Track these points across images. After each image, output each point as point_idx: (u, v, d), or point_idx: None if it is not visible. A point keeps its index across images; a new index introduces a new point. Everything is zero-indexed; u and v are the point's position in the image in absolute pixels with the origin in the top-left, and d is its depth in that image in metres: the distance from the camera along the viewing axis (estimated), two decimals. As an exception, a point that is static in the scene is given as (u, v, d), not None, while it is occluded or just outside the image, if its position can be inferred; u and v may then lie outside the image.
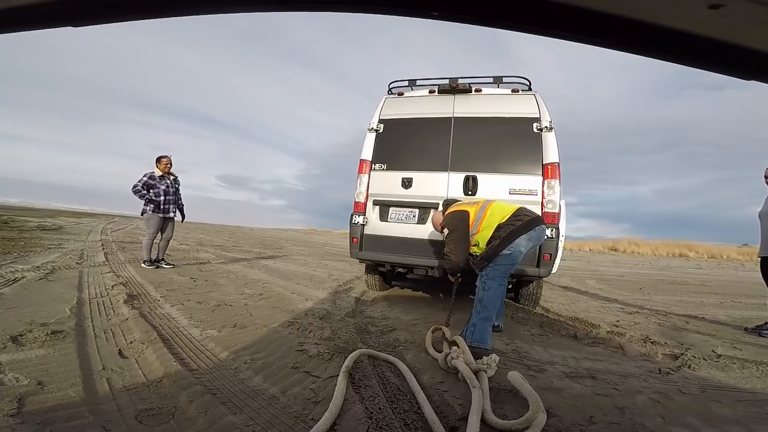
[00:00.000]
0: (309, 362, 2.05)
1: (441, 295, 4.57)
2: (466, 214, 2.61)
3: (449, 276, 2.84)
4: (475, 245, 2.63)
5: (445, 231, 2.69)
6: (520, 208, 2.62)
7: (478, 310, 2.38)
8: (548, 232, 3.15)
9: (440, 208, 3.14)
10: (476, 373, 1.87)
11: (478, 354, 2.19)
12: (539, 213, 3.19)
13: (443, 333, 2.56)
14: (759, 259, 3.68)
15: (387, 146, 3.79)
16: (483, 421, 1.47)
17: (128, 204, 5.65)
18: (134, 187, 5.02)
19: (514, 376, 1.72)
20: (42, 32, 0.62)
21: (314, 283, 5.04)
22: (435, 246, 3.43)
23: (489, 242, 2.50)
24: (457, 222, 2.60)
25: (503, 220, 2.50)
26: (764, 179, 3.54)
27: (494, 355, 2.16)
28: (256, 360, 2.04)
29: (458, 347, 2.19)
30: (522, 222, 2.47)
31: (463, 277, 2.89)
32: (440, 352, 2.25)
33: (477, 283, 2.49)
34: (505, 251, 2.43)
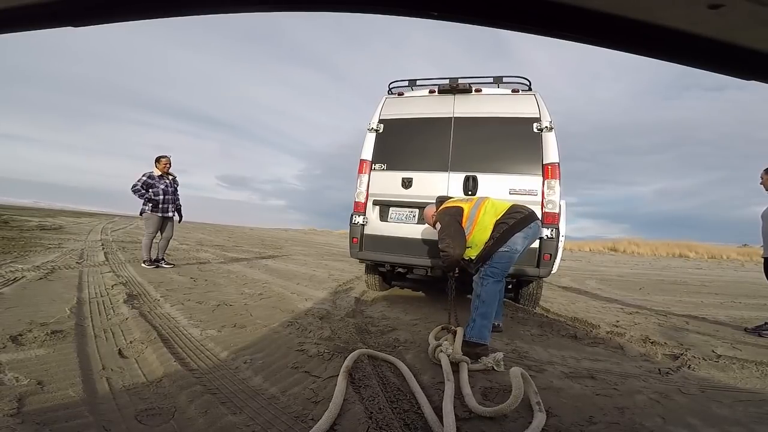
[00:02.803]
0: (309, 362, 2.05)
1: (445, 294, 4.56)
2: (459, 209, 2.55)
3: (447, 272, 2.79)
4: (469, 247, 2.56)
5: (438, 226, 2.64)
6: (514, 205, 2.57)
7: (476, 305, 2.39)
8: (548, 232, 3.15)
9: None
10: (458, 363, 2.05)
11: (474, 352, 2.21)
12: (539, 213, 3.19)
13: (452, 329, 2.59)
14: (763, 259, 3.68)
15: (387, 146, 3.79)
16: (465, 405, 1.63)
17: (128, 204, 5.65)
18: (133, 186, 5.02)
19: (515, 372, 1.72)
20: (42, 32, 0.62)
21: (314, 283, 5.04)
22: (435, 246, 3.43)
23: (487, 242, 2.46)
24: (450, 217, 2.54)
25: (498, 218, 2.46)
26: (761, 179, 3.54)
27: (500, 353, 2.20)
28: (255, 360, 2.04)
29: (453, 338, 2.36)
30: (516, 219, 2.42)
31: (460, 276, 2.86)
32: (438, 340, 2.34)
33: (475, 279, 2.48)
34: (502, 249, 2.40)
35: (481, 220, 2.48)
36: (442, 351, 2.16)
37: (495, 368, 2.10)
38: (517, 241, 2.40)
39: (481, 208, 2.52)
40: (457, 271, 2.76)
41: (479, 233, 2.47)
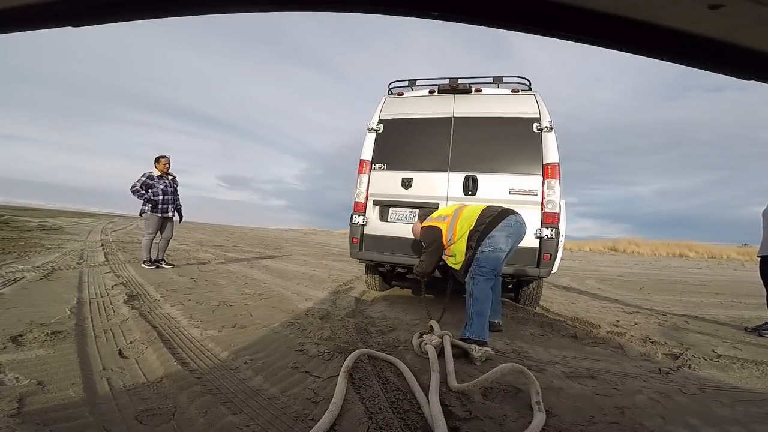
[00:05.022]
0: (309, 362, 2.05)
1: (444, 295, 4.56)
2: (438, 231, 2.75)
3: (418, 277, 3.10)
4: (452, 256, 2.75)
5: (423, 244, 2.88)
6: (485, 209, 2.70)
7: (470, 304, 2.44)
8: (548, 232, 3.16)
9: (416, 218, 3.46)
10: (442, 341, 2.21)
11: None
12: (539, 213, 3.20)
13: (431, 327, 2.60)
14: (759, 258, 3.68)
15: (387, 146, 3.79)
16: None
17: (128, 204, 5.65)
18: (133, 187, 5.02)
19: (507, 365, 1.74)
20: (42, 32, 0.62)
21: (314, 283, 5.04)
22: None
23: (465, 252, 2.64)
24: (431, 239, 2.78)
25: (470, 229, 2.61)
26: None
27: (489, 349, 2.24)
28: (256, 360, 2.04)
29: (432, 331, 2.45)
30: (486, 224, 2.56)
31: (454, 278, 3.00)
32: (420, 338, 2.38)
33: (466, 280, 2.53)
34: (486, 250, 2.49)
35: (460, 234, 2.66)
36: (426, 343, 2.21)
37: (475, 357, 2.13)
38: (500, 239, 2.51)
39: (456, 223, 2.69)
40: (426, 277, 3.13)
41: (458, 244, 2.67)
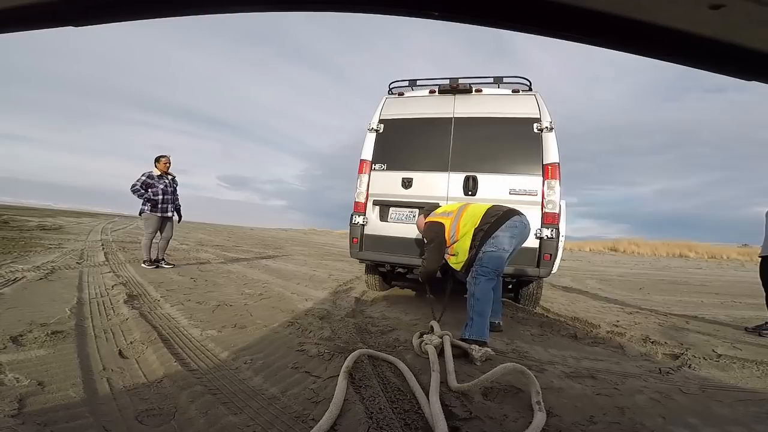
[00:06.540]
0: (309, 362, 2.05)
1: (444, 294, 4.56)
2: (441, 227, 2.70)
3: (421, 279, 3.03)
4: (453, 255, 2.71)
5: (425, 240, 2.83)
6: (490, 208, 2.66)
7: (471, 304, 2.43)
8: (548, 232, 3.15)
9: (421, 212, 3.34)
10: (442, 341, 2.21)
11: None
12: (538, 213, 3.20)
13: (432, 327, 2.59)
14: (760, 258, 3.68)
15: (387, 146, 3.79)
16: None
17: (128, 204, 5.66)
18: (133, 186, 5.02)
19: (507, 365, 1.74)
20: (42, 32, 0.62)
21: (314, 283, 5.04)
22: None
23: (469, 251, 2.60)
24: (434, 234, 2.72)
25: (476, 227, 2.57)
26: None
27: (489, 349, 2.25)
28: (256, 360, 2.04)
29: (432, 331, 2.43)
30: (491, 223, 2.53)
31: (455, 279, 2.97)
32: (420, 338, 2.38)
33: (468, 280, 2.52)
34: (489, 250, 2.47)
35: (462, 231, 2.61)
36: (426, 343, 2.21)
37: (475, 357, 2.13)
38: (504, 240, 2.48)
39: (460, 220, 2.64)
40: (430, 281, 3.03)
41: (462, 243, 2.62)
